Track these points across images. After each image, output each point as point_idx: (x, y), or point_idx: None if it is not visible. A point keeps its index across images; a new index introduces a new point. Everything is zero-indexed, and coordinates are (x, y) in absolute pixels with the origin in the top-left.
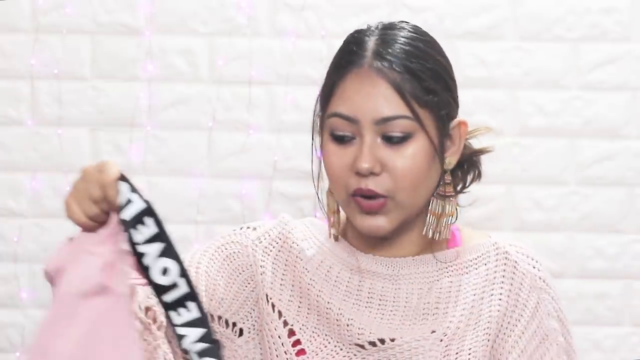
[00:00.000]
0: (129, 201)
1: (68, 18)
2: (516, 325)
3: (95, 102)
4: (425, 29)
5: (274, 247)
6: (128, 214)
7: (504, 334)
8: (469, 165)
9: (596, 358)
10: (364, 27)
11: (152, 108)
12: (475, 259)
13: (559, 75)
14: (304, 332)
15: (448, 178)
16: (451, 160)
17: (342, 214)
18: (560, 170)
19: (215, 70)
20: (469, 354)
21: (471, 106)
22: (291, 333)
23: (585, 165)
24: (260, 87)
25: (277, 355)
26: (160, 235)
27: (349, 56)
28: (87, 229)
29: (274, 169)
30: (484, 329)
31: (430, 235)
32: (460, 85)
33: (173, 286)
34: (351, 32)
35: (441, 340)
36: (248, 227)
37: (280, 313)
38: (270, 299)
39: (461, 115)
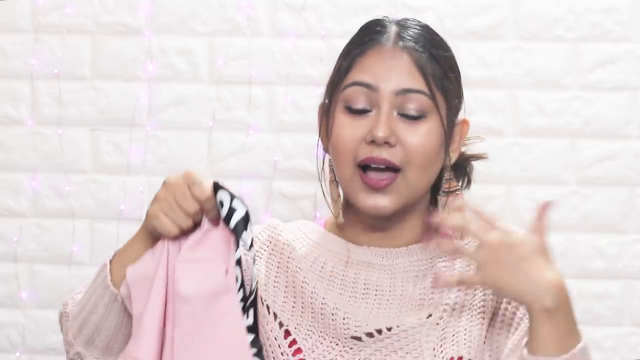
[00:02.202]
0: (232, 209)
1: (68, 18)
2: (510, 302)
3: (95, 102)
4: None
5: (264, 251)
6: (234, 221)
7: (500, 310)
8: (460, 170)
9: (596, 358)
10: (380, 17)
11: (152, 108)
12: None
13: (559, 75)
14: (299, 332)
15: (449, 174)
16: (452, 156)
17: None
18: (560, 170)
19: (215, 70)
20: (465, 335)
21: (471, 106)
22: (287, 334)
23: (585, 165)
24: (260, 87)
25: (274, 357)
26: (253, 241)
27: (371, 34)
28: (173, 236)
29: (274, 169)
30: (479, 308)
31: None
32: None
33: (250, 294)
34: (367, 21)
35: (437, 324)
36: None
37: (275, 315)
38: (265, 301)
39: (461, 115)
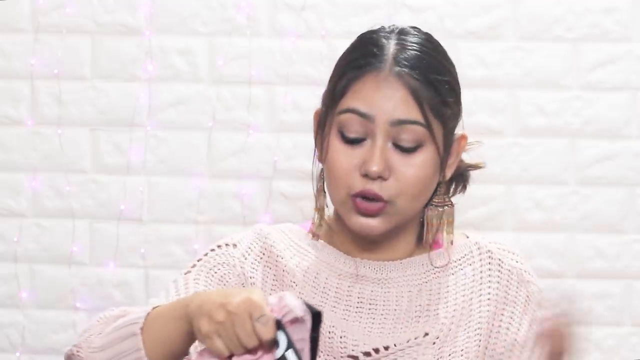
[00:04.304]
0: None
1: (68, 18)
2: (510, 323)
3: (95, 102)
4: (425, 29)
5: (259, 263)
6: None
7: (498, 332)
8: (457, 179)
9: (596, 358)
10: (378, 27)
11: (152, 108)
12: (460, 259)
13: (559, 75)
14: None
15: (442, 189)
16: (448, 172)
17: (329, 218)
18: (560, 170)
19: (215, 70)
20: (462, 355)
21: (471, 106)
22: None
23: (585, 165)
24: (260, 87)
25: None
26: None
27: (368, 57)
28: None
29: (274, 169)
30: (475, 330)
31: (428, 242)
32: (460, 85)
33: None
34: (365, 31)
35: (434, 343)
36: (227, 245)
37: None
38: None
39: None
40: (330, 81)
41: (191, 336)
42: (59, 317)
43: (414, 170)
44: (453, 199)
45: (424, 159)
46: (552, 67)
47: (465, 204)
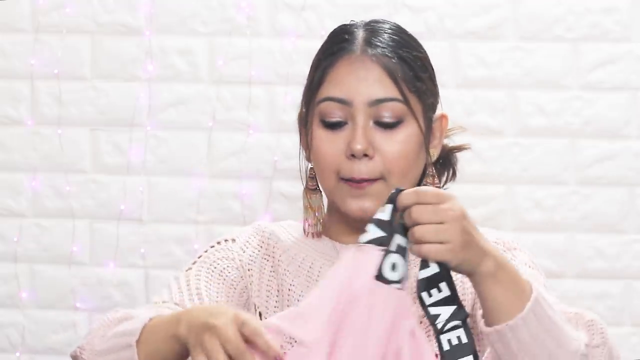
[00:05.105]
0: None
1: (68, 18)
2: None
3: (95, 102)
4: (425, 29)
5: (257, 255)
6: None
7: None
8: (445, 163)
9: None
10: (348, 22)
11: (152, 108)
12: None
13: (559, 75)
14: None
15: (431, 170)
16: (433, 152)
17: (323, 216)
18: (560, 170)
19: (215, 70)
20: None
21: (471, 106)
22: None
23: (585, 165)
24: (260, 87)
25: None
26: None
27: (339, 44)
28: None
29: (274, 169)
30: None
31: None
32: (460, 85)
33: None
34: (336, 27)
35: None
36: (226, 240)
37: None
38: (258, 307)
39: (461, 115)
40: (308, 77)
41: (183, 355)
42: (59, 317)
43: (398, 145)
44: (447, 187)
45: (407, 134)
46: (552, 67)
47: (465, 203)
